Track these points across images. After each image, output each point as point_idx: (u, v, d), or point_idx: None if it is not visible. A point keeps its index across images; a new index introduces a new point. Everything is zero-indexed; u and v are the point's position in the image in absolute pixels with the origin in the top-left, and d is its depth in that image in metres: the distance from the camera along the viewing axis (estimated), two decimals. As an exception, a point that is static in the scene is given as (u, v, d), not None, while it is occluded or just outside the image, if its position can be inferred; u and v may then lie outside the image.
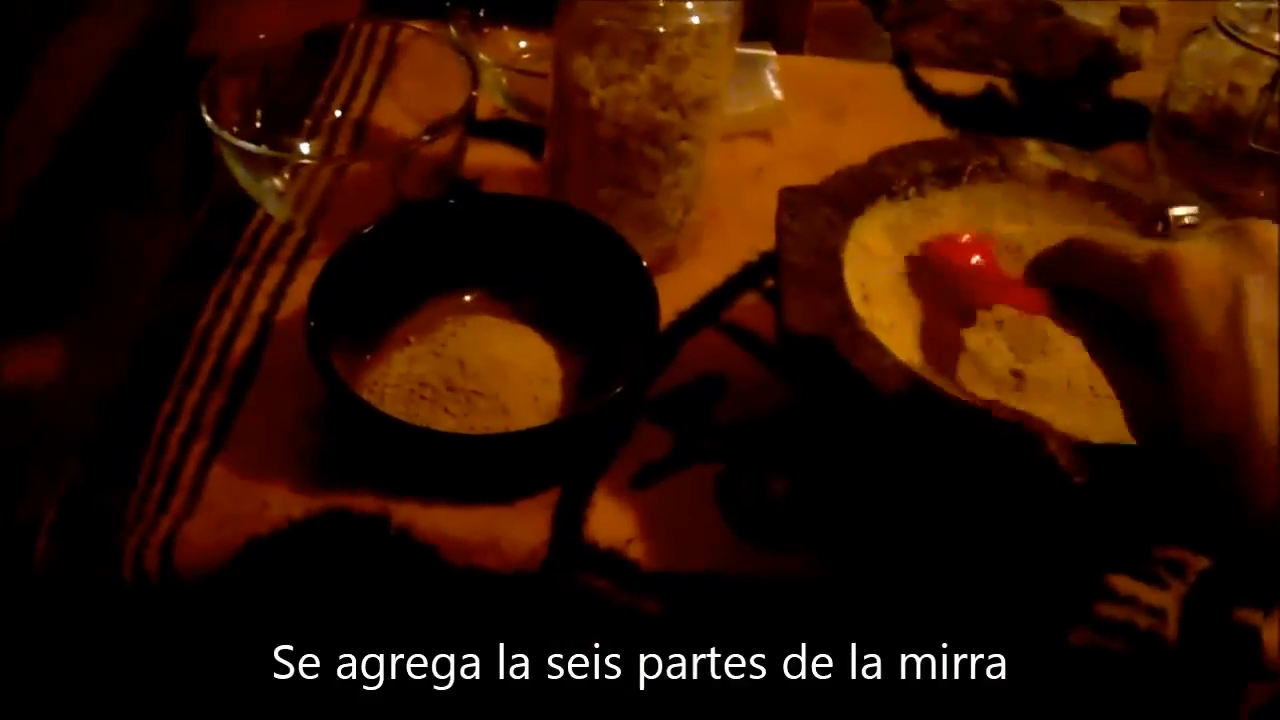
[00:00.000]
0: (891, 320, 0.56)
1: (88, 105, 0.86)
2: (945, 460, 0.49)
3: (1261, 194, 0.73)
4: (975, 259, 0.57)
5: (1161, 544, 0.54)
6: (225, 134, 0.63)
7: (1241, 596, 0.53)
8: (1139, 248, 0.42)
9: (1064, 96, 0.84)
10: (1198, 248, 0.40)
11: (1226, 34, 0.71)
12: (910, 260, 0.60)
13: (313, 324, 0.55)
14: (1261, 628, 0.52)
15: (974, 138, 0.62)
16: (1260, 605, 0.53)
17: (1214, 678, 0.53)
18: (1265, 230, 0.40)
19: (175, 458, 0.56)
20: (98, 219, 0.78)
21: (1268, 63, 0.69)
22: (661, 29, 0.58)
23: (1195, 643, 0.52)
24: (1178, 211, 0.54)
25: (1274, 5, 0.73)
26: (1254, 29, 0.70)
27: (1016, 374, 0.55)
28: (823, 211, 0.56)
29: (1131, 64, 0.84)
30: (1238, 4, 0.72)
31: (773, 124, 0.78)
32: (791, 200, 0.56)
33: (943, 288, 0.58)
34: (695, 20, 0.59)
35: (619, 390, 0.54)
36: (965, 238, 0.58)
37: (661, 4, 0.58)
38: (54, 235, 0.76)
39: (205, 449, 0.56)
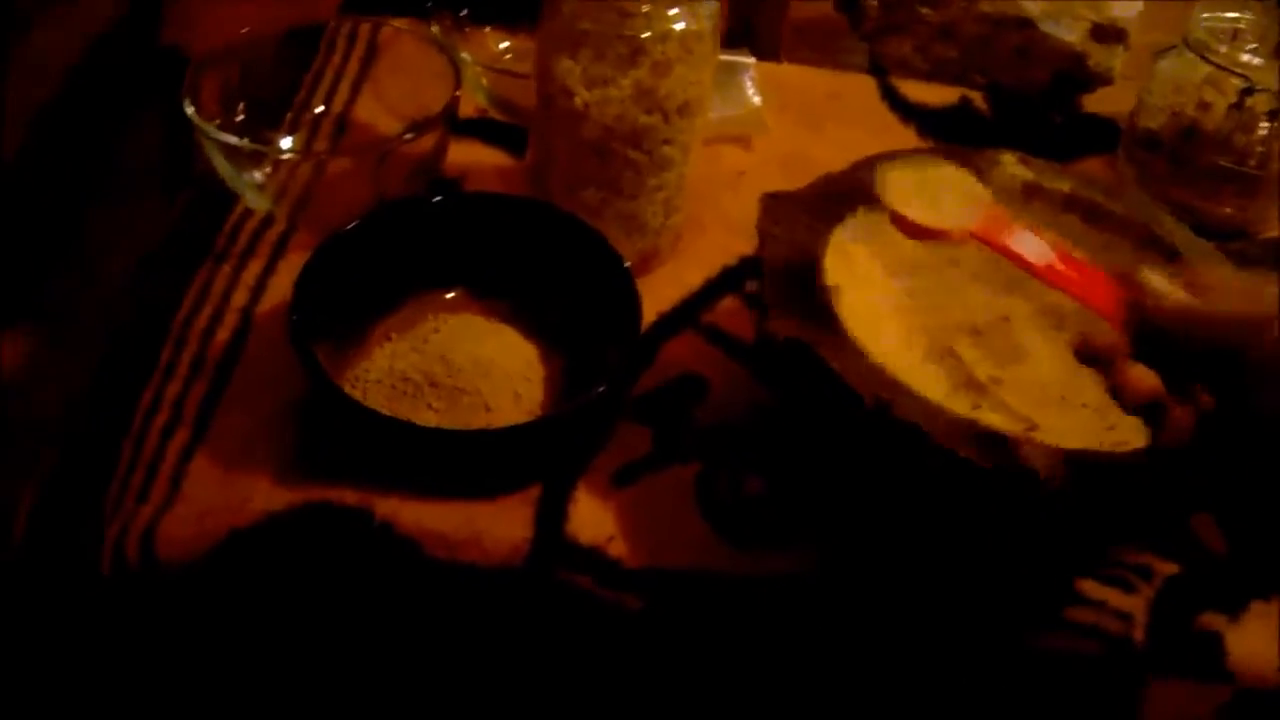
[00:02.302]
0: (870, 325, 0.57)
1: (59, 94, 0.86)
2: (921, 464, 0.49)
3: (1228, 209, 0.75)
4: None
5: (1131, 549, 0.56)
6: (208, 127, 0.63)
7: (1207, 602, 0.54)
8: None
9: (1036, 110, 0.85)
10: None
11: (1195, 52, 0.73)
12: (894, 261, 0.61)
13: (296, 317, 0.55)
14: (1225, 632, 0.53)
15: (951, 148, 0.63)
16: (1225, 610, 0.54)
17: (1180, 680, 0.54)
18: None
19: (155, 448, 0.56)
20: (73, 209, 0.78)
21: (1235, 81, 0.71)
22: (645, 34, 0.59)
23: (1162, 647, 0.53)
24: None
25: (1241, 25, 0.75)
26: (1222, 48, 0.72)
27: (993, 380, 0.56)
28: (803, 218, 0.57)
29: (1102, 80, 0.85)
30: (1206, 23, 0.74)
31: (752, 130, 0.79)
32: (773, 206, 0.57)
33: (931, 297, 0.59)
34: (679, 26, 0.59)
35: (601, 390, 0.55)
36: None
37: (645, 9, 0.59)
38: (29, 225, 0.75)
39: (186, 440, 0.56)
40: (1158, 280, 0.46)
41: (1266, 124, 0.70)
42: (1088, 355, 0.47)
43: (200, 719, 0.58)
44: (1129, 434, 0.52)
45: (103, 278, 0.74)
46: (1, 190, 0.74)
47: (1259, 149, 0.71)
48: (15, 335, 0.68)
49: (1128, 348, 0.46)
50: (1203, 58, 0.72)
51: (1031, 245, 0.51)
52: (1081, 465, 0.47)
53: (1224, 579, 0.55)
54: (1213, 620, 0.53)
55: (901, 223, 0.55)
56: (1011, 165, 0.62)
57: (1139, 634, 0.53)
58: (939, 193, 0.55)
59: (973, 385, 0.56)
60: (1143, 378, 0.45)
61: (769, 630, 0.54)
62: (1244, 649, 0.53)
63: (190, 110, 0.63)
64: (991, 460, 0.47)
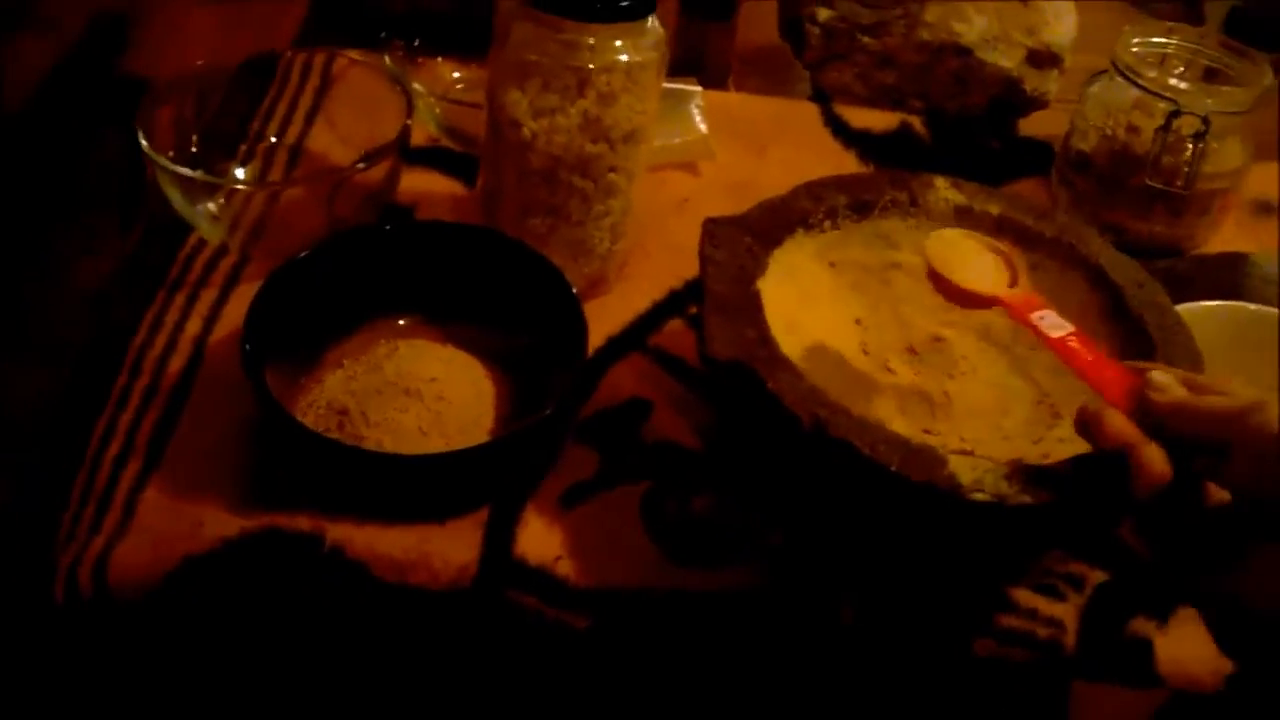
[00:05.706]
0: (806, 344, 0.59)
1: (19, 119, 0.86)
2: (856, 480, 0.51)
3: (1157, 228, 0.77)
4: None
5: (1062, 558, 0.58)
6: (161, 158, 0.64)
7: (1136, 609, 0.56)
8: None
9: (973, 134, 0.87)
10: None
11: (1125, 77, 0.75)
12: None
13: (248, 346, 0.56)
14: (1155, 639, 0.55)
15: (886, 173, 0.65)
16: (1154, 616, 0.56)
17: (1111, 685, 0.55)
18: None
19: (109, 477, 0.56)
20: (26, 236, 0.78)
21: (1162, 105, 0.73)
22: (592, 65, 0.61)
23: (1092, 653, 0.55)
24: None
25: (1169, 50, 0.78)
26: (1151, 73, 0.74)
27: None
28: (744, 241, 0.59)
29: (1038, 104, 0.88)
30: (1135, 49, 0.76)
31: (698, 157, 0.81)
32: (714, 230, 0.59)
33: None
34: (624, 58, 0.61)
35: (548, 412, 0.56)
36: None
37: (591, 41, 0.60)
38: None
39: (139, 469, 0.57)
40: (1162, 376, 0.47)
41: (1192, 145, 0.72)
42: (1088, 430, 0.47)
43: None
44: (1053, 447, 0.54)
45: (56, 305, 0.74)
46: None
47: (1186, 170, 0.73)
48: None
49: (1141, 436, 0.46)
50: (1132, 82, 0.75)
51: (1052, 322, 0.53)
52: (1007, 478, 0.49)
53: (1151, 585, 0.56)
54: (1142, 626, 0.55)
55: (940, 282, 0.56)
56: (944, 189, 0.64)
57: (1069, 640, 0.54)
58: (970, 259, 0.57)
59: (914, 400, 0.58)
60: (1155, 459, 0.46)
61: (716, 647, 0.55)
62: (1173, 653, 0.55)
63: (144, 142, 0.64)
64: (921, 475, 0.49)
